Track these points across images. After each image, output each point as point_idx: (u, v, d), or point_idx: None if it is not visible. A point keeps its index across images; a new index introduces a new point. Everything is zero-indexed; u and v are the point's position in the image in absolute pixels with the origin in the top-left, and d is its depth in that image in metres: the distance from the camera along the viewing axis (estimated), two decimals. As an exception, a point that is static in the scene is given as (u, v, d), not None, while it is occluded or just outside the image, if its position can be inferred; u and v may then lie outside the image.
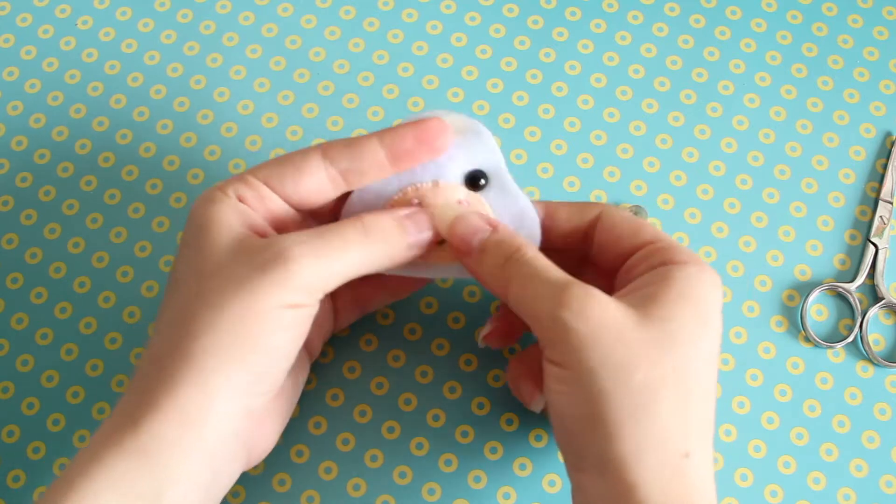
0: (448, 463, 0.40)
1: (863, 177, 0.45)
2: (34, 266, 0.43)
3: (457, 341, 0.42)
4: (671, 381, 0.31)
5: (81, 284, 0.42)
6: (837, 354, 0.42)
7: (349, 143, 0.35)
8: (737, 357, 0.42)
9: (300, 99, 0.46)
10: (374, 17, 0.47)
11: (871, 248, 0.43)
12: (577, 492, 0.33)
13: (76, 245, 0.43)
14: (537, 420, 0.40)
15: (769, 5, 0.48)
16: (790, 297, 0.43)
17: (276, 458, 0.39)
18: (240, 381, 0.31)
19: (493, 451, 0.40)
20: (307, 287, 0.32)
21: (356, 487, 0.40)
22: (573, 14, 0.47)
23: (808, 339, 0.42)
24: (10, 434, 0.40)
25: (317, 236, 0.33)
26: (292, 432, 0.38)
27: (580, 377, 0.31)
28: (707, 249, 0.43)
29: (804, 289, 0.43)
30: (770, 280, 0.43)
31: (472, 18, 0.47)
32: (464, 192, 0.36)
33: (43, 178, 0.44)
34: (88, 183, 0.44)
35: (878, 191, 0.44)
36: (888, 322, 0.43)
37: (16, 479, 0.40)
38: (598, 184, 0.44)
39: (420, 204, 0.36)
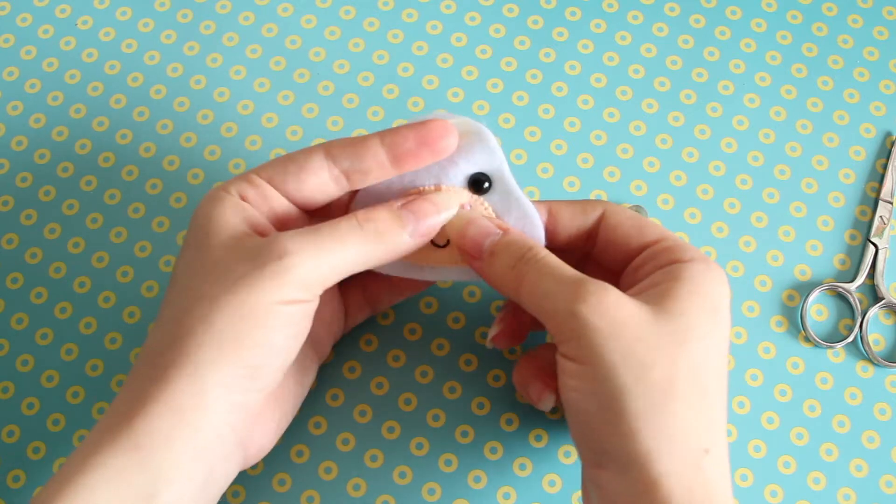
0: (448, 463, 0.40)
1: (863, 177, 0.45)
2: (34, 266, 0.43)
3: (457, 341, 0.42)
4: (689, 377, 0.31)
5: (81, 284, 0.42)
6: (837, 354, 0.42)
7: (351, 143, 0.35)
8: (737, 357, 0.42)
9: (300, 99, 0.46)
10: (374, 17, 0.47)
11: (871, 248, 0.43)
12: (595, 488, 0.33)
13: (76, 245, 0.43)
14: (537, 420, 0.40)
15: (769, 5, 0.48)
16: (790, 297, 0.43)
17: (276, 458, 0.39)
18: (234, 376, 0.31)
19: (493, 451, 0.40)
20: (304, 282, 0.32)
21: (356, 487, 0.40)
22: (573, 14, 0.47)
23: (808, 339, 0.42)
24: (10, 434, 0.40)
25: (312, 232, 0.33)
26: (292, 432, 0.38)
27: (598, 372, 0.31)
28: (707, 249, 0.43)
29: (804, 289, 0.43)
30: (770, 280, 0.43)
31: (472, 18, 0.47)
32: (467, 196, 0.36)
33: (43, 178, 0.44)
34: (88, 183, 0.44)
35: (878, 191, 0.44)
36: (888, 322, 0.43)
37: (16, 479, 0.40)
38: (598, 184, 0.44)
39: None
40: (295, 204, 0.35)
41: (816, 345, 0.42)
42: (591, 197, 0.44)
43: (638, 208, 0.43)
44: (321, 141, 0.45)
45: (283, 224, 0.35)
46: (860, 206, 0.44)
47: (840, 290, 0.43)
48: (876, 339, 0.42)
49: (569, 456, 0.40)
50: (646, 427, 0.31)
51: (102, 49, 0.47)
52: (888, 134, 0.45)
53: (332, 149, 0.35)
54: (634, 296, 0.33)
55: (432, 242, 0.36)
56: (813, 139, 0.45)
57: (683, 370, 0.31)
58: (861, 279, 0.43)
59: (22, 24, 0.47)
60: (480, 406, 0.41)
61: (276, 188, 0.35)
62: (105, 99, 0.46)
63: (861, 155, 0.45)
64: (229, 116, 0.45)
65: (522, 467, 0.40)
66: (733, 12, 0.47)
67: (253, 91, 0.46)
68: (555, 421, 0.41)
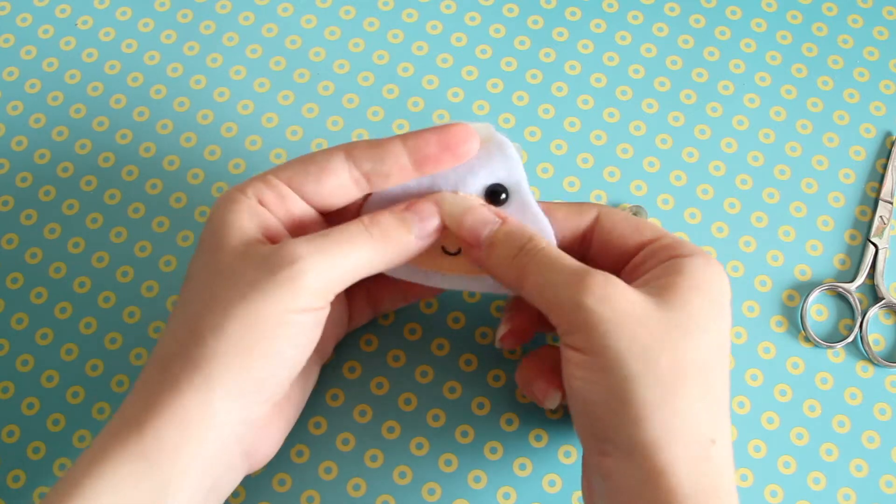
0: (448, 463, 0.40)
1: (863, 177, 0.45)
2: (34, 266, 0.43)
3: (457, 341, 0.42)
4: (695, 366, 0.32)
5: (81, 284, 0.42)
6: (837, 354, 0.42)
7: (373, 145, 0.35)
8: (737, 357, 0.42)
9: (300, 99, 0.46)
10: (374, 17, 0.47)
11: (871, 248, 0.43)
12: (601, 478, 0.33)
13: (76, 245, 0.43)
14: (537, 420, 0.40)
15: (769, 5, 0.48)
16: (790, 297, 0.43)
17: (276, 458, 0.39)
18: (242, 389, 0.31)
19: (493, 451, 0.40)
20: (316, 289, 0.32)
21: (356, 487, 0.40)
22: (573, 14, 0.47)
23: (808, 339, 0.42)
24: (10, 434, 0.40)
25: (321, 237, 0.33)
26: (292, 432, 0.38)
27: (605, 362, 0.31)
28: (707, 249, 0.43)
29: (804, 289, 0.43)
30: (770, 280, 0.43)
31: (472, 18, 0.47)
32: (481, 204, 0.36)
33: (43, 178, 0.44)
34: (88, 183, 0.44)
35: (878, 191, 0.44)
36: (888, 322, 0.43)
37: (16, 479, 0.40)
38: (598, 184, 0.44)
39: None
40: (313, 206, 0.35)
41: (816, 345, 0.42)
42: (591, 198, 0.44)
43: (638, 208, 0.43)
44: (322, 141, 0.45)
45: (299, 227, 0.35)
46: (860, 206, 0.44)
47: (840, 290, 0.43)
48: (876, 339, 0.42)
49: (569, 456, 0.40)
50: (654, 415, 0.31)
51: (102, 49, 0.47)
52: (888, 134, 0.45)
53: (354, 150, 0.35)
54: (637, 287, 0.33)
55: (444, 250, 0.36)
56: (813, 139, 0.45)
57: (690, 360, 0.31)
58: (861, 279, 0.43)
59: (22, 24, 0.47)
60: (480, 406, 0.41)
61: (294, 189, 0.34)
62: (105, 99, 0.46)
63: (861, 155, 0.45)
64: (229, 116, 0.45)
65: (522, 467, 0.40)
66: (733, 12, 0.47)
67: (253, 91, 0.46)
68: (555, 421, 0.41)
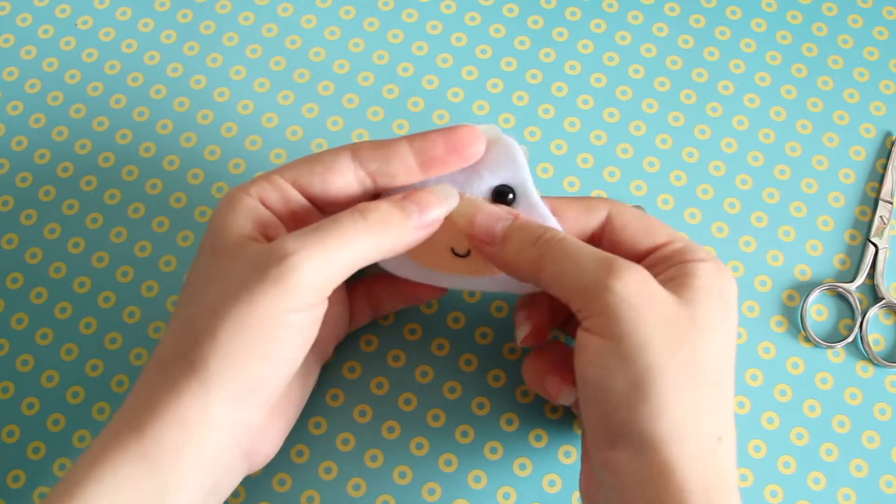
0: (448, 463, 0.40)
1: (863, 177, 0.45)
2: (34, 266, 0.43)
3: (457, 341, 0.42)
4: (708, 365, 0.32)
5: (81, 284, 0.42)
6: (837, 354, 0.42)
7: (379, 146, 0.34)
8: (737, 357, 0.41)
9: (300, 99, 0.46)
10: (374, 17, 0.47)
11: (871, 248, 0.43)
12: (607, 472, 0.32)
13: (76, 245, 0.43)
14: (537, 420, 0.40)
15: (769, 5, 0.48)
16: (790, 297, 0.43)
17: (276, 458, 0.39)
18: (238, 392, 0.31)
19: (493, 451, 0.40)
20: (311, 284, 0.31)
21: (356, 487, 0.40)
22: (573, 14, 0.47)
23: (808, 339, 0.42)
24: (10, 434, 0.40)
25: (315, 230, 0.32)
26: (292, 432, 0.38)
27: (626, 350, 0.31)
28: (707, 249, 0.43)
29: (804, 289, 0.43)
30: (770, 280, 0.43)
31: (472, 18, 0.47)
32: None
33: (43, 178, 0.44)
34: (88, 183, 0.44)
35: (878, 191, 0.44)
36: (888, 322, 0.43)
37: (16, 479, 0.40)
38: (598, 184, 0.44)
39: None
40: (317, 206, 0.35)
41: (816, 345, 0.42)
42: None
43: (638, 209, 0.43)
44: (322, 141, 0.45)
45: (302, 227, 0.34)
46: (860, 206, 0.44)
47: (840, 290, 0.43)
48: (876, 339, 0.42)
49: (569, 456, 0.40)
50: (670, 409, 0.31)
51: (102, 49, 0.47)
52: (888, 134, 0.45)
53: (360, 150, 0.34)
54: None
55: (454, 252, 0.36)
56: (813, 139, 0.45)
57: (704, 358, 0.32)
58: (861, 279, 0.43)
59: (22, 24, 0.47)
60: (480, 406, 0.41)
61: (299, 189, 0.34)
62: (105, 99, 0.46)
63: (861, 155, 0.45)
64: (229, 116, 0.45)
65: (522, 467, 0.40)
66: (733, 12, 0.47)
67: (253, 91, 0.46)
68: (555, 421, 0.41)
